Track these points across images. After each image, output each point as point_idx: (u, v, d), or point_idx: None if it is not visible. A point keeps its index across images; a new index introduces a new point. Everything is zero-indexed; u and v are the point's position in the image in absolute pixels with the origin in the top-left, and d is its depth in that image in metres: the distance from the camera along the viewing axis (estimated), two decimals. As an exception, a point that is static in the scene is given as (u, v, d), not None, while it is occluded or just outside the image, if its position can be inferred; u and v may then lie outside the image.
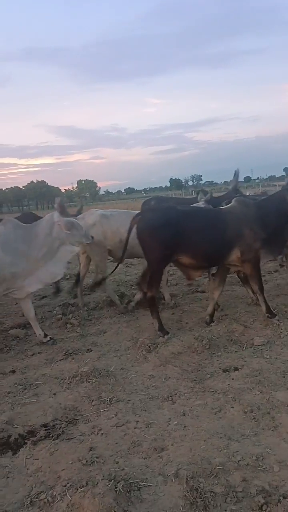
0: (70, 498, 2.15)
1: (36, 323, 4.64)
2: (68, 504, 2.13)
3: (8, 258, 4.18)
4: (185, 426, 2.79)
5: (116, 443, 2.68)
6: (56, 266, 4.44)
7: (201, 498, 2.12)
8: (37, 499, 2.25)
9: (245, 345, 4.02)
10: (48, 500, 2.22)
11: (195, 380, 3.43)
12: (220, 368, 3.59)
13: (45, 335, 4.59)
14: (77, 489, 2.19)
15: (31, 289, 4.45)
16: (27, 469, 2.52)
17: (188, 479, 2.23)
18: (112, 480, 2.22)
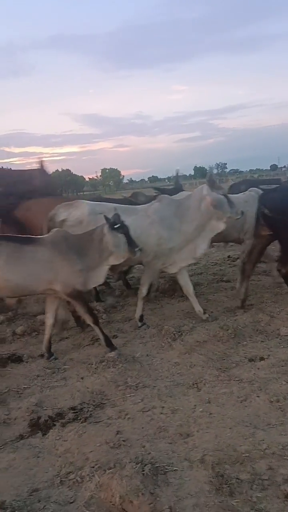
0: (99, 479, 2.22)
1: (195, 298, 4.62)
2: (96, 485, 2.20)
3: (166, 233, 4.30)
4: (210, 413, 2.81)
5: (143, 427, 2.73)
6: (204, 241, 4.43)
7: (227, 484, 2.14)
8: (67, 479, 2.33)
9: (271, 335, 3.99)
10: (77, 480, 2.30)
11: (220, 368, 3.44)
12: (245, 358, 3.59)
13: (204, 312, 4.56)
14: (105, 471, 2.26)
15: (183, 263, 4.54)
16: (56, 449, 2.61)
17: (214, 465, 2.26)
18: (139, 463, 2.27)
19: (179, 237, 4.35)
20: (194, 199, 4.38)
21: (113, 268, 4.16)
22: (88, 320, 3.91)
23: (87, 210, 4.52)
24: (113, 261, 3.88)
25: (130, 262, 4.46)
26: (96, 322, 3.90)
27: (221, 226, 4.34)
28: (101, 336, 3.90)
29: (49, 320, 4.08)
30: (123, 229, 3.77)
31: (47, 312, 4.12)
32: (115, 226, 3.74)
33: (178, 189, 6.87)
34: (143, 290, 4.56)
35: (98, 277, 3.94)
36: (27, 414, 2.99)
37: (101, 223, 3.85)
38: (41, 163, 7.34)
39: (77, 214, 4.54)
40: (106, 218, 3.76)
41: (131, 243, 3.78)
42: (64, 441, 2.67)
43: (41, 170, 7.19)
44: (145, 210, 4.50)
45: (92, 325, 3.91)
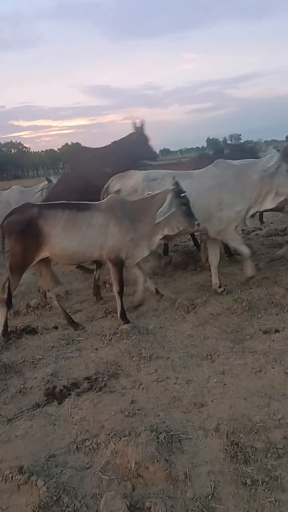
0: (114, 446, 2.25)
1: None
2: (112, 451, 2.24)
3: (229, 197, 4.24)
4: (224, 384, 2.82)
5: (157, 397, 2.75)
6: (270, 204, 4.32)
7: (241, 452, 2.16)
8: (83, 446, 2.38)
9: (286, 308, 3.94)
10: (93, 446, 2.34)
11: (234, 340, 3.43)
12: (260, 330, 3.56)
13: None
14: (121, 438, 2.29)
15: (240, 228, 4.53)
16: (72, 418, 2.65)
17: (229, 434, 2.28)
18: (154, 431, 2.29)
19: (242, 202, 4.28)
20: (259, 167, 4.25)
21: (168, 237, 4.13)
22: (116, 288, 3.94)
23: (141, 177, 4.51)
24: (168, 231, 3.83)
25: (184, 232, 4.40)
26: (121, 293, 3.93)
27: (279, 199, 4.29)
28: (119, 308, 3.92)
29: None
30: (186, 199, 3.69)
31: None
32: (181, 195, 3.65)
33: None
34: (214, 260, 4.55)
35: (149, 246, 3.92)
36: (42, 383, 3.04)
37: (160, 190, 3.80)
38: (141, 123, 5.85)
39: (131, 183, 4.54)
40: (176, 184, 3.67)
41: (191, 215, 3.70)
42: (80, 409, 2.71)
43: (140, 133, 5.84)
44: (201, 175, 4.41)
45: (116, 294, 3.95)
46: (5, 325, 3.88)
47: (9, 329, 3.93)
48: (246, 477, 2.03)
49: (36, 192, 7.24)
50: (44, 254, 3.73)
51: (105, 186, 4.69)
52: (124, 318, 3.90)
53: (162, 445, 2.22)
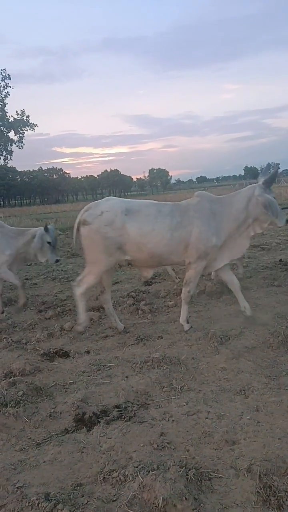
0: (142, 480, 2.20)
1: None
2: (139, 485, 2.18)
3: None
4: (258, 422, 2.71)
5: (187, 431, 2.68)
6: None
7: (274, 496, 2.05)
8: (110, 476, 2.33)
9: None
10: (120, 478, 2.29)
11: (269, 376, 3.31)
12: (296, 366, 3.43)
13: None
14: (149, 472, 2.23)
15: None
16: (100, 446, 2.62)
17: (262, 476, 2.17)
18: (184, 467, 2.23)
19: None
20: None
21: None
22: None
23: None
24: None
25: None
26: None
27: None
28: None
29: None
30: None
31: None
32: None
33: None
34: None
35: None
36: (72, 409, 3.03)
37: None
38: None
39: None
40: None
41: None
42: (108, 438, 2.68)
43: None
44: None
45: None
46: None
47: (42, 351, 3.99)
48: (280, 524, 1.92)
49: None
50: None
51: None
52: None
53: (192, 483, 2.15)
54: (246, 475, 2.23)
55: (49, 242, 5.60)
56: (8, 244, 5.53)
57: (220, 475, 2.25)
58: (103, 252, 4.20)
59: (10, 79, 27.97)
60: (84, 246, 4.33)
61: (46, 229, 5.60)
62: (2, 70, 27.77)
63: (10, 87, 28.16)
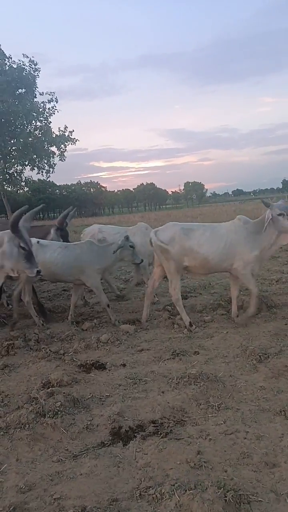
0: (179, 499, 2.16)
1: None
2: (176, 504, 2.14)
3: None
4: (299, 445, 2.60)
5: (225, 451, 2.62)
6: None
7: None
8: (146, 493, 2.30)
9: None
10: (156, 496, 2.26)
11: (311, 397, 3.19)
12: None
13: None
14: (186, 491, 2.19)
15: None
16: (137, 462, 2.60)
17: (304, 503, 2.08)
18: (222, 488, 2.17)
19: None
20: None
21: None
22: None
23: None
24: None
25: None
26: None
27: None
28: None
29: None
30: None
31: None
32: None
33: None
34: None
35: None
36: (109, 422, 3.04)
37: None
38: None
39: None
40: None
41: None
42: (145, 454, 2.66)
43: None
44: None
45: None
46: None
47: (79, 363, 4.03)
48: None
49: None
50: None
51: None
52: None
53: (230, 505, 2.09)
54: (287, 501, 2.14)
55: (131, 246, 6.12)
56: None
57: (259, 499, 2.18)
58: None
59: (57, 102, 28.96)
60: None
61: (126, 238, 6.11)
62: (51, 92, 28.81)
63: (56, 109, 29.10)
